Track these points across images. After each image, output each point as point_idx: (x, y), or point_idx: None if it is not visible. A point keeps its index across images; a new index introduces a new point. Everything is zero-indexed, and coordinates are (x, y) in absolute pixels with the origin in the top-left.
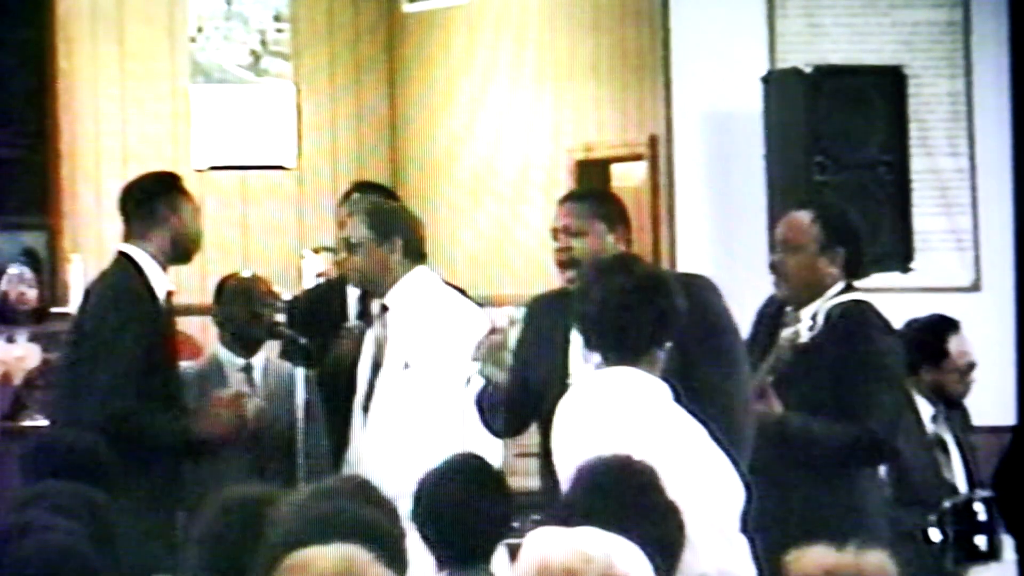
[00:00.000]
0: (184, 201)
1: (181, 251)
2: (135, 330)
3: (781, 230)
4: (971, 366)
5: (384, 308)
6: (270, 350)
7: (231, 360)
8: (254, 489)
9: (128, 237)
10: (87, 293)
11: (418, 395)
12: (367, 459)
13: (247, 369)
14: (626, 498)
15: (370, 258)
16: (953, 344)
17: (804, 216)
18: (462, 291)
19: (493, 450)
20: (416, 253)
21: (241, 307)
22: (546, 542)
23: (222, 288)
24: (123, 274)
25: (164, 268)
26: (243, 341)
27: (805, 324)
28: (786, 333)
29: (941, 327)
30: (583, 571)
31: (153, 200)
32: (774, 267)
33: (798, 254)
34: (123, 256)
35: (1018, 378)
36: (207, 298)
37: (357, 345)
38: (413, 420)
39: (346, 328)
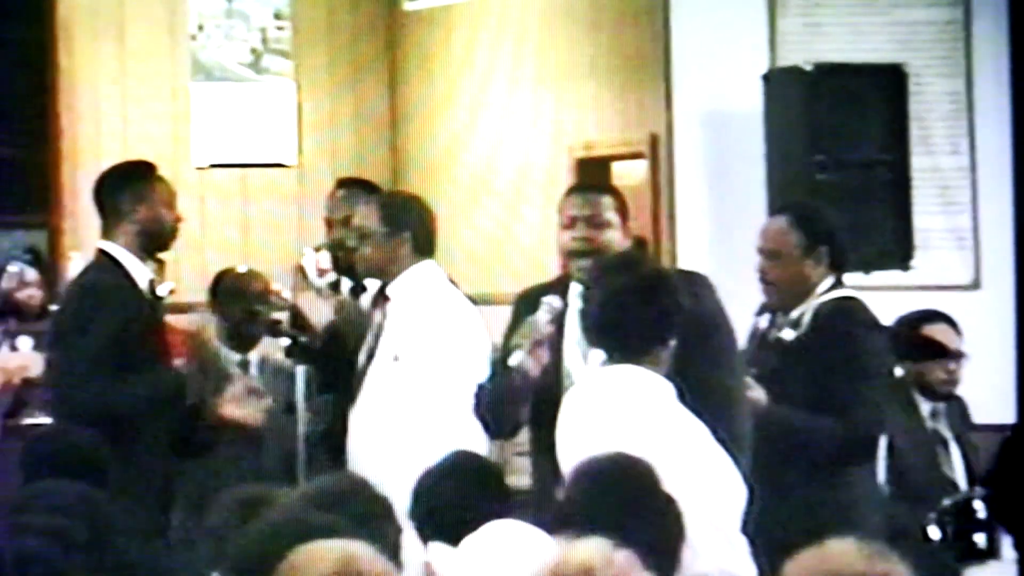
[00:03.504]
0: (151, 190)
1: (153, 241)
2: (115, 324)
3: (761, 239)
4: (954, 357)
5: (386, 297)
6: (267, 346)
7: (228, 356)
8: (258, 489)
9: (104, 232)
10: (65, 293)
11: (404, 389)
12: (354, 453)
13: (244, 365)
14: (625, 496)
15: (379, 249)
16: (927, 332)
17: (781, 222)
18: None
19: (479, 449)
20: (426, 246)
21: (238, 303)
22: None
23: (218, 284)
24: (99, 270)
25: (143, 258)
26: (240, 337)
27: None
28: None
29: (916, 319)
30: (602, 571)
31: (117, 193)
32: (761, 275)
33: (781, 261)
34: (101, 253)
35: (1018, 376)
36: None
37: (350, 318)
38: (397, 415)
39: (339, 301)
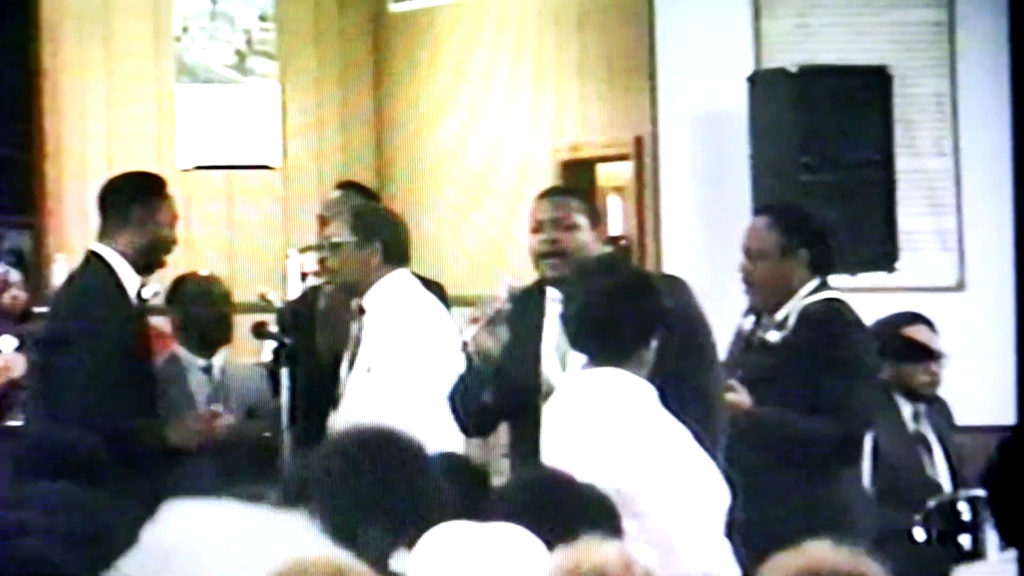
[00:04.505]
0: (163, 207)
1: (152, 257)
2: (106, 331)
3: (743, 238)
4: (936, 358)
5: (362, 310)
6: (229, 351)
7: (191, 360)
8: (251, 490)
9: (102, 235)
10: (56, 295)
11: (378, 399)
12: None
13: (207, 369)
14: (543, 517)
15: (350, 260)
16: (908, 335)
17: (761, 222)
18: (441, 288)
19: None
20: (398, 256)
21: (203, 308)
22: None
23: (177, 288)
24: (92, 275)
25: (136, 269)
26: (204, 342)
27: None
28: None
29: (895, 321)
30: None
31: (131, 201)
32: (743, 275)
33: (761, 260)
34: (93, 255)
35: (1018, 376)
36: None
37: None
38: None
39: (309, 288)
